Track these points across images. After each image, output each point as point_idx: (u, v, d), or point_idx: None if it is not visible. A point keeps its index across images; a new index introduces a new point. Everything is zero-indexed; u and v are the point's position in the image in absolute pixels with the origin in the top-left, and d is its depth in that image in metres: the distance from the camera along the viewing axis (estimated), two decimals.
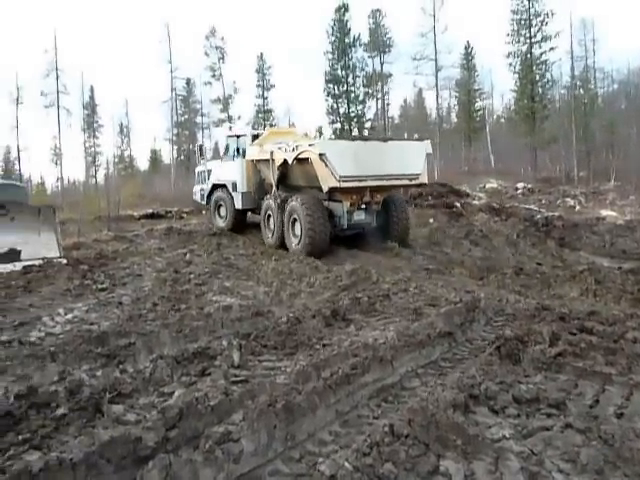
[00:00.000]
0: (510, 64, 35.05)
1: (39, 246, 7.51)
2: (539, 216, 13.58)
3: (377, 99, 41.25)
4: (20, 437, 2.64)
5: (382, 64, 39.95)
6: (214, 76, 39.73)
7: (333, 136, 36.56)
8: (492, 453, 2.43)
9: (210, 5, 66.84)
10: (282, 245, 9.60)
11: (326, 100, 38.00)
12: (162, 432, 2.55)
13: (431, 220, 13.02)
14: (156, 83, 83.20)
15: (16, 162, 43.36)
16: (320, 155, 8.21)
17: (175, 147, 43.06)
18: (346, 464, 2.25)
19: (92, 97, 47.57)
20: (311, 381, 3.24)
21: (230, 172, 11.64)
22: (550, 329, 4.19)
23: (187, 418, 2.70)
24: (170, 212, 17.61)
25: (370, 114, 39.79)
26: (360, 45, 38.16)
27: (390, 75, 41.38)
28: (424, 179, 9.26)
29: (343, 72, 37.63)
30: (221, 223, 12.18)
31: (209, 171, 12.77)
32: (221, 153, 13.10)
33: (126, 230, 11.94)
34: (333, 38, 37.63)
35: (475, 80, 44.72)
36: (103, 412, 2.93)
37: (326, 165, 8.19)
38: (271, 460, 2.51)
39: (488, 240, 11.27)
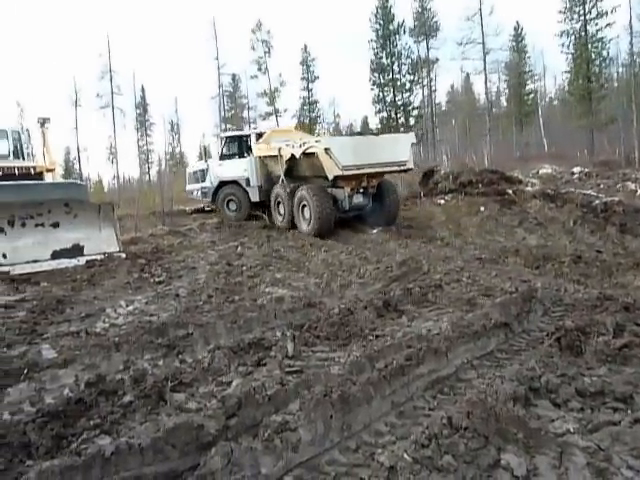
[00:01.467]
0: (563, 44, 33.44)
1: (100, 241, 7.86)
2: (597, 201, 12.89)
3: (423, 86, 40.39)
4: (91, 422, 2.80)
5: (428, 49, 39.02)
6: (260, 69, 40.14)
7: (380, 126, 36.17)
8: (556, 448, 2.36)
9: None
10: (292, 227, 11.15)
11: (372, 89, 37.58)
12: (222, 420, 2.64)
13: (482, 208, 12.66)
14: (204, 80, 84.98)
15: (76, 162, 45.64)
16: (325, 149, 9.69)
17: None
18: (405, 455, 2.24)
19: (143, 97, 49.22)
20: (365, 372, 3.25)
21: (240, 169, 12.71)
22: (614, 319, 3.98)
23: (246, 407, 2.78)
24: None
25: (417, 102, 39.05)
26: (404, 32, 37.42)
27: (437, 61, 40.36)
28: (410, 165, 10.88)
29: (388, 60, 37.05)
30: (233, 216, 12.91)
31: (204, 170, 13.65)
32: (218, 153, 13.82)
33: (179, 224, 12.31)
34: (377, 26, 37.10)
35: (526, 62, 42.89)
36: (166, 400, 3.06)
37: (330, 157, 9.67)
38: (328, 450, 2.53)
39: (543, 228, 10.85)
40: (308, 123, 40.58)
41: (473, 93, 55.24)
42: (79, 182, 12.66)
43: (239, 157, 12.98)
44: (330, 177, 9.92)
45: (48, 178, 9.78)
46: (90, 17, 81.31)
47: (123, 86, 40.46)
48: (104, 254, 7.66)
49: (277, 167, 11.62)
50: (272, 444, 2.42)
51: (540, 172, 24.21)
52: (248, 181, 12.56)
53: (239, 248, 8.92)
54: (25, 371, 3.45)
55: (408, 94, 37.74)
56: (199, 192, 13.99)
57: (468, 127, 48.22)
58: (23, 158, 10.21)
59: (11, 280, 6.34)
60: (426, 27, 38.18)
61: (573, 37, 32.77)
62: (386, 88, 37.29)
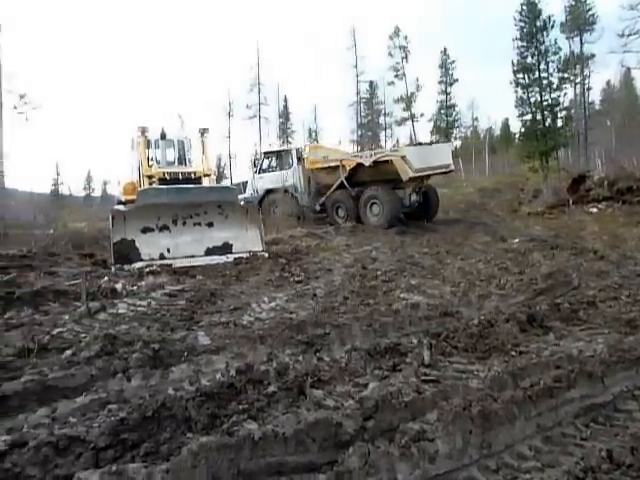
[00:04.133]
0: None
1: (246, 241, 8.50)
2: None
3: (575, 84, 36.90)
4: (240, 407, 3.03)
5: (582, 44, 35.59)
6: (397, 76, 40.27)
7: (524, 129, 33.75)
8: None
9: (392, 5, 67.66)
10: (356, 222, 13.14)
11: (515, 91, 35.17)
12: (360, 421, 2.68)
13: None
14: (342, 88, 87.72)
15: (226, 167, 50.03)
16: (402, 157, 12.40)
17: (358, 148, 44.72)
18: None
19: (286, 106, 52.22)
20: (508, 389, 3.08)
21: (283, 179, 14.87)
22: None
23: (382, 411, 2.79)
24: None
25: (566, 101, 35.70)
26: (552, 27, 34.46)
27: (592, 56, 36.59)
28: (452, 167, 14.06)
29: (534, 59, 34.44)
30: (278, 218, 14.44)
31: (245, 183, 16.38)
32: (257, 167, 16.20)
33: (316, 227, 12.81)
34: (522, 23, 34.71)
35: None
36: (306, 394, 3.20)
37: (405, 163, 12.33)
38: (466, 466, 2.45)
39: None
40: (445, 127, 39.52)
41: (634, 89, 49.11)
42: (230, 186, 13.89)
43: (280, 169, 15.22)
44: (405, 178, 12.51)
45: (205, 182, 10.87)
46: (241, 33, 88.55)
47: (269, 97, 43.52)
48: (249, 252, 8.26)
49: (329, 177, 13.95)
50: (409, 451, 2.40)
51: None
52: (296, 188, 14.81)
53: (373, 252, 9.00)
54: (185, 354, 3.86)
55: (556, 94, 34.69)
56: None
57: (627, 127, 42.94)
58: (185, 164, 11.49)
59: (173, 272, 7.15)
60: (580, 20, 34.84)
61: None
62: (531, 88, 34.65)
